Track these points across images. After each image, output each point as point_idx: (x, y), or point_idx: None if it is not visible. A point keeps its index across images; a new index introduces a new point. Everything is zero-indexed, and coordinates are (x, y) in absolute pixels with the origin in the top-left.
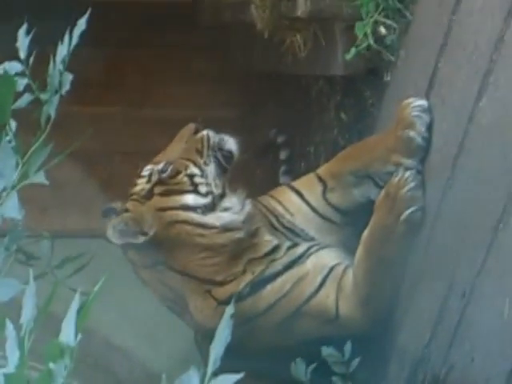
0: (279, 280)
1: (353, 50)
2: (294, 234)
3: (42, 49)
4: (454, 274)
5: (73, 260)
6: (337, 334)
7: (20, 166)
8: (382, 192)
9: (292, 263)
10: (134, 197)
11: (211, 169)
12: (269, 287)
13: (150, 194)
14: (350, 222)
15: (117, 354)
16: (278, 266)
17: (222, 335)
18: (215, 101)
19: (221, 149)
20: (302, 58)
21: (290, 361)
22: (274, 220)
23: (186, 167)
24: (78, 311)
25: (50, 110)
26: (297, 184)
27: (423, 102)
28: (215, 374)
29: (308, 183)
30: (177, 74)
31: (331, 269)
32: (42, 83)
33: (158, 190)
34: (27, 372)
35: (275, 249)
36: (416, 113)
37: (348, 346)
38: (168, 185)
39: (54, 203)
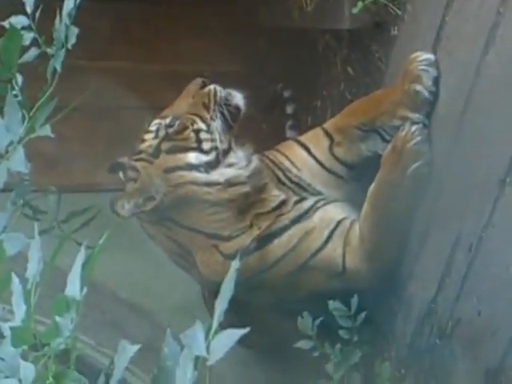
0: (286, 234)
1: (359, 4)
2: (301, 188)
3: (48, 3)
4: (460, 228)
5: (79, 214)
6: (343, 288)
7: (26, 120)
8: (389, 146)
9: (299, 217)
10: (143, 155)
11: (217, 124)
12: (276, 242)
13: (157, 152)
14: (356, 176)
15: (124, 308)
16: (284, 220)
17: (227, 289)
18: (222, 56)
19: (228, 104)
20: (309, 12)
21: (296, 315)
22: (280, 174)
23: (193, 122)
24: (84, 265)
25: (56, 64)
26: (303, 138)
27: (430, 56)
28: (220, 328)
29: (315, 138)
30: (184, 30)
31: (338, 223)
32: (48, 37)
33: (164, 146)
34: (33, 326)
35: (282, 203)
36: (423, 67)
37: (355, 300)
38: (175, 140)
39: (61, 158)
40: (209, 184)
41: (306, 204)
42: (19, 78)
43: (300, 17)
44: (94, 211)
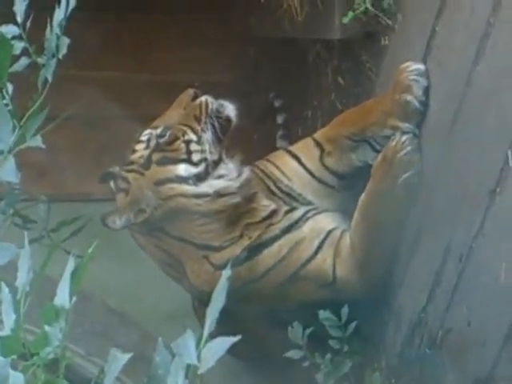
0: (276, 244)
1: (350, 14)
2: (291, 198)
3: (39, 12)
4: (451, 238)
5: (69, 223)
6: (334, 298)
7: (17, 130)
8: (379, 156)
9: (289, 227)
10: (134, 166)
11: (208, 135)
12: (266, 252)
13: (148, 162)
14: (347, 186)
15: (114, 318)
16: (275, 230)
17: (218, 298)
18: (212, 65)
19: (219, 116)
20: (299, 21)
21: (286, 325)
22: (271, 184)
23: (184, 133)
24: (73, 274)
25: (47, 73)
26: (294, 148)
27: (420, 66)
28: (211, 336)
29: (305, 148)
30: (174, 39)
31: (328, 233)
32: (39, 47)
33: (155, 157)
34: (23, 335)
35: (273, 213)
36: (413, 76)
37: (345, 310)
38: (165, 151)
39: (51, 167)
40: (198, 196)
41: (297, 214)
42: (10, 88)
43: (291, 26)
44: (84, 220)
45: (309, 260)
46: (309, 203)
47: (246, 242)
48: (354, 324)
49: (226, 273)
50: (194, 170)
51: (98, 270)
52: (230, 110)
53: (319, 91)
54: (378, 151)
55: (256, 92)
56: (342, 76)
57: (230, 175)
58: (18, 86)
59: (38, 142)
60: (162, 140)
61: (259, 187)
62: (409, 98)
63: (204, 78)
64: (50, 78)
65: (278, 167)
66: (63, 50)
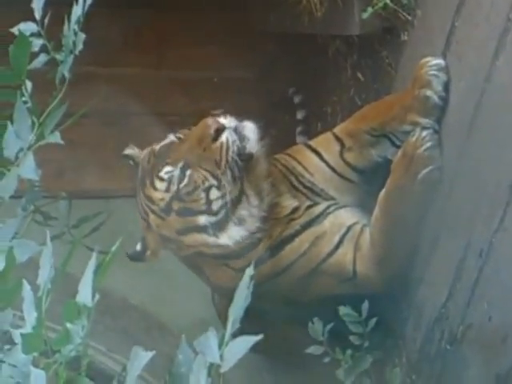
0: (297, 240)
1: (369, 10)
2: (313, 193)
3: (57, 9)
4: (471, 233)
5: (89, 220)
6: (354, 293)
7: (36, 127)
8: (399, 152)
9: (310, 222)
10: (155, 208)
11: (228, 176)
12: (288, 248)
13: (168, 209)
14: (367, 181)
15: (134, 315)
16: (296, 226)
17: (241, 297)
18: (232, 62)
19: (240, 155)
20: (319, 17)
21: (307, 321)
22: (293, 180)
23: (204, 180)
24: (95, 271)
25: (65, 70)
26: (314, 143)
27: (440, 61)
28: (234, 335)
29: (325, 142)
30: (194, 35)
31: (349, 228)
32: (57, 44)
33: (175, 205)
34: (44, 332)
35: (294, 210)
36: (433, 72)
37: (365, 306)
38: (185, 202)
39: (71, 164)
40: (218, 246)
41: (318, 209)
42: (29, 85)
43: (310, 22)
44: (104, 217)
45: (329, 255)
46: (331, 198)
47: (267, 242)
48: (374, 320)
49: (249, 271)
50: (214, 219)
51: (119, 266)
52: (251, 145)
53: (339, 87)
54: (397, 147)
55: (275, 88)
56: (362, 71)
57: (251, 212)
58: (37, 83)
59: (56, 138)
60: (182, 185)
61: (282, 183)
62: (428, 93)
63: (224, 74)
64: (67, 75)
65: (299, 162)
66: (80, 46)
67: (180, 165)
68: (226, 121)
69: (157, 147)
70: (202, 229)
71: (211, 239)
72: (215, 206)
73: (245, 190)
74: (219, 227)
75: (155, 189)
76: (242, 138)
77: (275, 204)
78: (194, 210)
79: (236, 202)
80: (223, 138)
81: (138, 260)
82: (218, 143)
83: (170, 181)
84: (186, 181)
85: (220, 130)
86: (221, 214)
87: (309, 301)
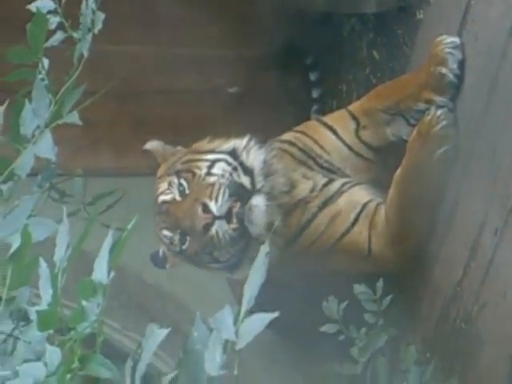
0: (314, 223)
1: None
2: (330, 172)
3: None
4: (486, 212)
5: (105, 197)
6: (369, 271)
7: (53, 105)
8: (415, 131)
9: (326, 202)
10: (168, 248)
11: (226, 249)
12: (305, 233)
13: (178, 257)
14: (382, 159)
15: (150, 292)
16: (312, 209)
17: (257, 274)
18: (246, 39)
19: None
20: None
21: (322, 299)
22: (311, 163)
23: (203, 248)
24: (111, 249)
25: (83, 48)
26: (330, 120)
27: (455, 39)
28: (249, 312)
29: (341, 120)
30: (208, 14)
31: (364, 206)
32: (74, 22)
33: (183, 257)
34: (60, 310)
35: (310, 191)
36: (448, 49)
37: (380, 284)
38: (191, 258)
39: (87, 142)
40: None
41: (333, 187)
42: (46, 62)
43: (325, 1)
44: (120, 194)
45: (345, 233)
46: (346, 176)
47: (287, 233)
48: (389, 298)
49: (265, 248)
50: (224, 265)
51: (135, 243)
52: (257, 229)
53: (354, 65)
54: (412, 125)
55: (291, 66)
56: (377, 50)
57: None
58: (54, 60)
59: (74, 118)
60: (184, 247)
61: (298, 168)
62: (444, 70)
63: (239, 51)
64: (85, 53)
65: (316, 141)
66: (99, 25)
67: (178, 231)
68: (216, 207)
69: (159, 199)
70: (216, 269)
71: (227, 275)
72: (222, 259)
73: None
74: (233, 268)
75: (162, 237)
76: (248, 219)
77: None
78: (203, 262)
79: (245, 247)
80: (213, 231)
81: (159, 267)
82: (208, 236)
83: (171, 242)
84: (187, 245)
85: (209, 224)
86: (231, 261)
87: (324, 279)
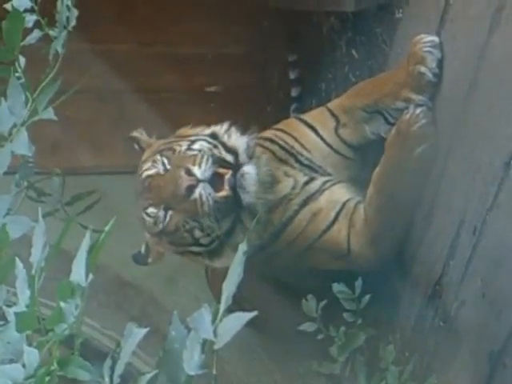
0: (296, 220)
1: None
2: (311, 170)
3: None
4: (465, 210)
5: (84, 197)
6: (348, 270)
7: (29, 103)
8: (393, 129)
9: (307, 201)
10: (149, 229)
11: (209, 220)
12: (287, 230)
13: (160, 237)
14: (361, 157)
15: (128, 291)
16: (294, 206)
17: (235, 272)
18: (226, 38)
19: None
20: None
21: (300, 298)
22: (292, 161)
23: (184, 224)
24: (89, 250)
25: (58, 46)
26: (309, 118)
27: (434, 38)
28: (227, 311)
29: (321, 118)
30: (188, 11)
31: (343, 204)
32: (51, 20)
33: (165, 238)
34: (38, 310)
35: (291, 188)
36: (427, 48)
37: (359, 283)
38: (173, 237)
39: (65, 140)
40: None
41: (314, 185)
42: (22, 61)
43: None
44: (98, 194)
45: (325, 231)
46: (327, 174)
47: (270, 230)
48: (367, 297)
49: (242, 247)
50: (206, 249)
51: (113, 242)
52: (249, 196)
53: (333, 64)
54: (391, 124)
55: (270, 64)
56: (356, 48)
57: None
58: (31, 59)
59: (50, 114)
60: (165, 225)
61: (280, 166)
62: (422, 69)
63: (218, 50)
64: (60, 50)
65: (296, 139)
66: (73, 22)
67: (162, 206)
68: (199, 172)
69: (143, 174)
70: (197, 254)
71: (207, 261)
72: (204, 241)
73: (240, 216)
74: (214, 254)
75: (146, 216)
76: (240, 186)
77: (273, 184)
78: (184, 243)
79: (230, 231)
80: (196, 194)
81: (141, 264)
82: (192, 198)
83: (155, 220)
84: (167, 222)
85: (192, 186)
86: (213, 245)
87: (303, 277)
